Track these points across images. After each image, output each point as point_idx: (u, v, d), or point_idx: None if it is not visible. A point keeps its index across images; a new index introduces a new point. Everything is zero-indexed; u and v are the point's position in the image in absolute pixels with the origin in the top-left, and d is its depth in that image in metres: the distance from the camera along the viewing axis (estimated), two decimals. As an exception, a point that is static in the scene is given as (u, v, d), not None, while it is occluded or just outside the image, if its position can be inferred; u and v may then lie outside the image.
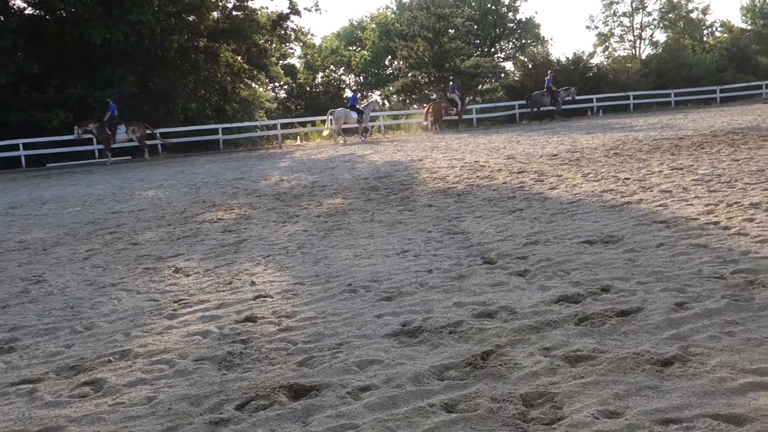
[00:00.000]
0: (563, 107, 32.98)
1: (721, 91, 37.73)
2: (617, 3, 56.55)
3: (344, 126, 28.97)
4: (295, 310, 4.61)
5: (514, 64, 50.03)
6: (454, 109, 32.38)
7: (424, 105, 34.67)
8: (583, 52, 45.26)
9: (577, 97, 33.83)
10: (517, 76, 44.27)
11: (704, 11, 57.59)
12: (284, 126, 32.56)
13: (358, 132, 29.68)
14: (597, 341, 3.59)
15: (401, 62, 48.74)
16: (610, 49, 57.42)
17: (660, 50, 50.05)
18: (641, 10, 55.96)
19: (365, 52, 61.78)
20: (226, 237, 7.94)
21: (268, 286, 5.39)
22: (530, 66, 42.62)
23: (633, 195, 8.22)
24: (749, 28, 56.73)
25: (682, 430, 2.59)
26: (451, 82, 35.85)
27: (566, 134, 20.84)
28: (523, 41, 56.91)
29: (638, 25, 56.46)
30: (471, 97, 34.78)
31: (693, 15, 57.01)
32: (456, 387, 3.18)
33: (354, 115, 29.23)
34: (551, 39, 76.41)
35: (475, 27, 52.11)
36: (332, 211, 9.36)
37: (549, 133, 22.51)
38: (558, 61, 42.63)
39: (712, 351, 3.31)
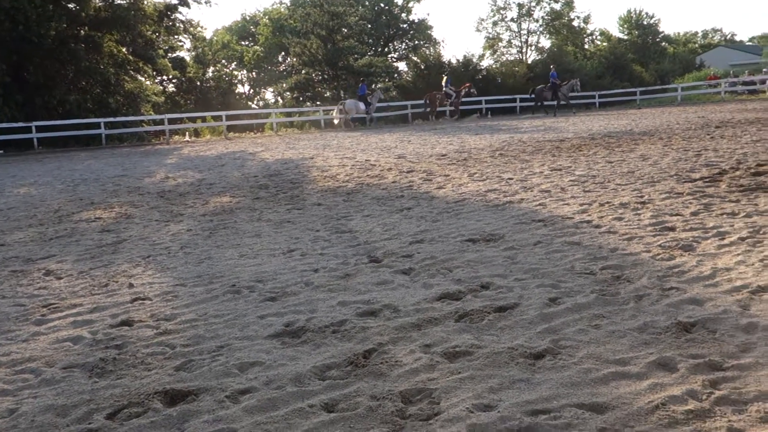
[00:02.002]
0: (492, 107, 34.22)
1: (600, 96, 39.91)
2: (505, 9, 58.57)
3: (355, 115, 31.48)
4: (174, 313, 4.47)
5: (407, 64, 50.83)
6: (449, 100, 33.60)
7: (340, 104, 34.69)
8: (473, 55, 46.65)
9: (465, 99, 34.72)
10: (410, 76, 44.98)
11: (585, 20, 60.74)
12: (172, 121, 31.54)
13: (366, 121, 32.27)
14: (475, 337, 3.69)
15: (294, 59, 48.37)
16: (498, 53, 59.42)
17: (545, 56, 52.31)
18: (528, 17, 58.24)
19: (258, 48, 60.86)
20: (104, 237, 7.60)
21: (147, 288, 5.19)
22: (422, 67, 43.44)
23: (515, 195, 8.53)
24: (626, 37, 60.30)
25: (550, 420, 2.70)
26: (445, 77, 35.97)
27: (456, 135, 21.37)
28: (416, 42, 57.87)
29: (525, 31, 58.73)
30: (467, 89, 34.85)
31: (575, 23, 59.95)
32: (337, 386, 3.18)
33: (362, 106, 31.65)
34: (443, 41, 78.30)
35: (369, 26, 52.58)
36: (219, 209, 9.15)
37: (440, 133, 23.01)
38: (449, 62, 43.68)
39: (580, 343, 3.48)
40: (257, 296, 4.75)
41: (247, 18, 65.94)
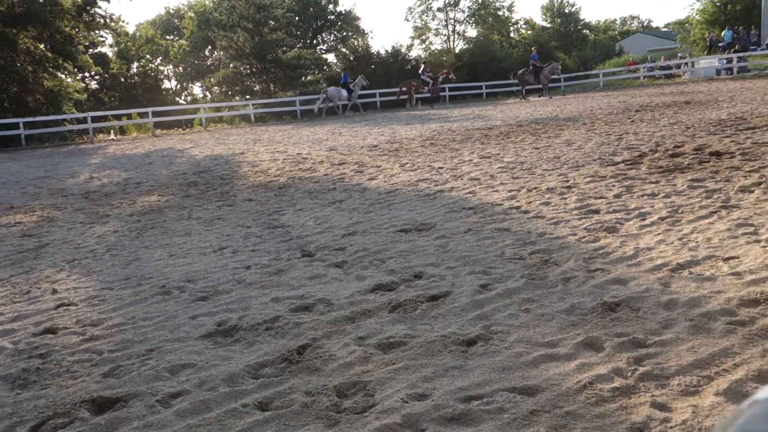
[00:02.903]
0: (442, 94, 34.38)
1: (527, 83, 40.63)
2: (432, -1, 59.02)
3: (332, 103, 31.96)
4: (101, 318, 4.33)
5: (336, 56, 50.66)
6: (426, 87, 33.81)
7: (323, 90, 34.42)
8: (401, 45, 46.89)
9: (395, 90, 34.87)
10: (339, 68, 44.82)
11: (510, 9, 61.71)
12: (96, 119, 30.49)
13: (347, 108, 32.75)
14: (408, 327, 3.72)
15: (222, 53, 47.51)
16: (427, 43, 59.84)
17: (472, 45, 53.00)
18: (454, 7, 58.82)
19: (183, 42, 59.50)
20: (25, 242, 7.30)
21: (71, 294, 5.02)
22: (351, 58, 43.36)
23: (446, 183, 8.63)
24: (549, 26, 61.65)
25: (482, 405, 2.75)
26: (423, 65, 36.20)
27: (387, 125, 21.43)
28: (344, 33, 57.68)
29: (452, 21, 59.32)
30: (445, 74, 34.93)
31: (500, 13, 60.89)
32: (271, 384, 3.15)
33: (345, 93, 32.14)
34: (371, 31, 78.33)
35: (296, 18, 52.02)
36: (147, 209, 8.92)
37: (371, 124, 23.02)
38: (378, 53, 43.74)
39: (511, 328, 3.55)
40: (188, 296, 4.66)
41: (172, 12, 64.37)
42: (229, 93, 46.88)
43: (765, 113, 13.01)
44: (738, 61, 33.80)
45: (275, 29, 43.01)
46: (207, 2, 59.84)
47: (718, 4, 47.02)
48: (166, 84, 60.38)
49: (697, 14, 50.32)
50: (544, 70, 32.98)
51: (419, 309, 3.99)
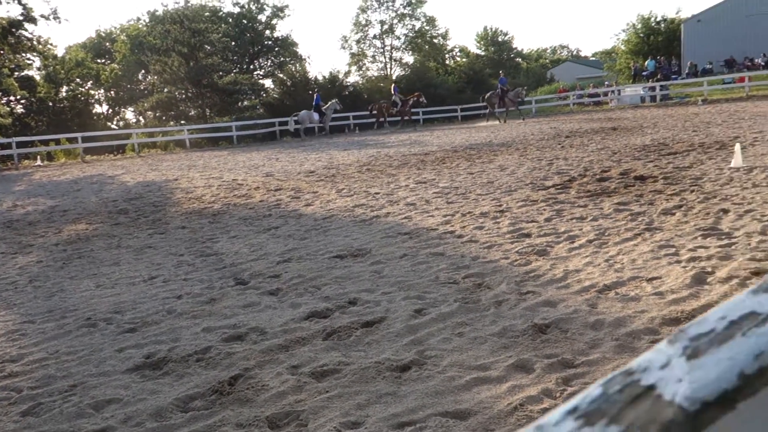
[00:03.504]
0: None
1: (462, 109, 41.40)
2: (367, 26, 59.68)
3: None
4: (22, 353, 4.15)
5: (273, 81, 50.49)
6: (395, 108, 33.76)
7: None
8: (338, 71, 47.09)
9: (335, 115, 34.95)
10: (277, 93, 44.69)
11: (444, 36, 62.92)
12: (21, 144, 29.39)
13: (323, 131, 33.22)
14: (343, 354, 3.70)
15: (155, 77, 46.73)
16: (364, 69, 60.38)
17: (408, 71, 53.73)
18: (390, 34, 59.63)
19: (116, 66, 58.28)
20: (-57, 274, 6.95)
21: (-9, 328, 4.79)
22: (289, 83, 43.31)
23: (382, 209, 8.66)
24: (483, 53, 63.13)
25: (415, 431, 2.75)
26: (393, 85, 36.29)
27: (324, 151, 21.44)
28: (282, 59, 57.63)
29: (389, 48, 60.07)
30: (416, 98, 34.71)
31: (436, 41, 62.03)
32: (201, 417, 3.08)
33: (316, 116, 32.39)
34: (308, 57, 78.51)
35: (233, 43, 51.76)
36: (73, 238, 8.62)
37: (308, 150, 22.99)
38: (316, 79, 43.84)
39: (444, 352, 3.57)
40: (115, 328, 4.51)
41: (103, 34, 63.04)
42: (164, 118, 46.05)
43: (685, 139, 13.60)
44: (661, 90, 35.30)
45: (211, 54, 42.65)
46: (140, 26, 58.92)
47: (641, 35, 49.19)
48: (97, 108, 58.88)
49: (622, 44, 52.49)
50: (509, 93, 33.54)
51: (354, 335, 3.97)
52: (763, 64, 38.51)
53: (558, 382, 3.05)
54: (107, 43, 61.77)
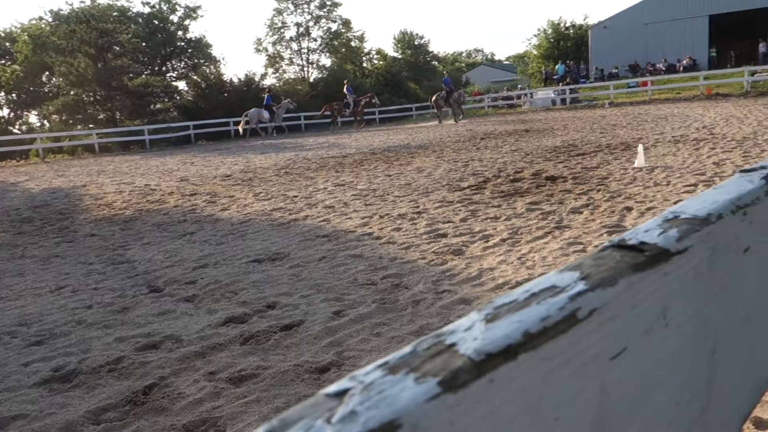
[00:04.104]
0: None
1: (380, 112, 41.67)
2: (283, 29, 59.22)
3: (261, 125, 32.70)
4: None
5: (187, 83, 49.33)
6: (347, 110, 33.34)
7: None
8: (254, 73, 46.54)
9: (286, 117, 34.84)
10: (191, 95, 43.71)
11: (361, 39, 63.16)
12: None
13: (267, 131, 33.22)
14: (261, 358, 3.67)
15: (61, 79, 44.81)
16: (281, 71, 59.83)
17: (326, 74, 53.64)
18: (306, 36, 59.35)
19: (17, 67, 55.51)
20: None
21: None
22: (203, 86, 42.45)
23: (300, 212, 8.62)
24: (400, 56, 63.75)
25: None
26: (346, 86, 35.10)
27: (241, 154, 21.13)
28: (195, 61, 56.36)
29: (305, 50, 59.76)
30: (368, 98, 34.12)
31: (353, 43, 62.17)
32: (114, 429, 2.99)
33: (266, 114, 32.47)
34: (223, 59, 77.14)
35: (143, 44, 50.24)
36: (-26, 248, 8.18)
37: (224, 153, 22.60)
38: (231, 81, 43.13)
39: (363, 353, 3.60)
40: (20, 342, 4.31)
41: (3, 34, 59.94)
42: (70, 122, 44.17)
43: (593, 140, 14.18)
44: (570, 93, 36.62)
45: (120, 55, 41.26)
46: (43, 25, 56.38)
47: (552, 40, 50.92)
48: (-1, 112, 55.97)
49: (534, 49, 54.19)
50: (453, 94, 33.57)
51: (272, 339, 3.95)
52: (664, 69, 40.59)
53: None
54: (7, 43, 58.76)
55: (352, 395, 0.34)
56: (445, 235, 6.39)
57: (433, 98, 34.29)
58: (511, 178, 9.64)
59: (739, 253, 0.81)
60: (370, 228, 7.12)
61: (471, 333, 0.41)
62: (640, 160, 9.59)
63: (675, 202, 6.61)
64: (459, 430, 0.36)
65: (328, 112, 34.42)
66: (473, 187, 9.14)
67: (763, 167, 1.02)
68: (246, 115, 32.73)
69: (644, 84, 34.24)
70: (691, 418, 0.71)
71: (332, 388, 0.35)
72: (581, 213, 6.76)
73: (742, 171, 1.00)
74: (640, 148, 9.93)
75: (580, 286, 0.50)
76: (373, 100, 34.92)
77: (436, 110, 34.02)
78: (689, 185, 7.59)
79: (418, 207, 8.09)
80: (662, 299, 0.61)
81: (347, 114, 34.52)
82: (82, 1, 44.17)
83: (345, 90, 35.12)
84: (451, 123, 31.38)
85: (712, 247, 0.72)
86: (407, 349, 0.39)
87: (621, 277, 0.54)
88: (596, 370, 0.49)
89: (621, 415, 0.53)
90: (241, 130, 33.00)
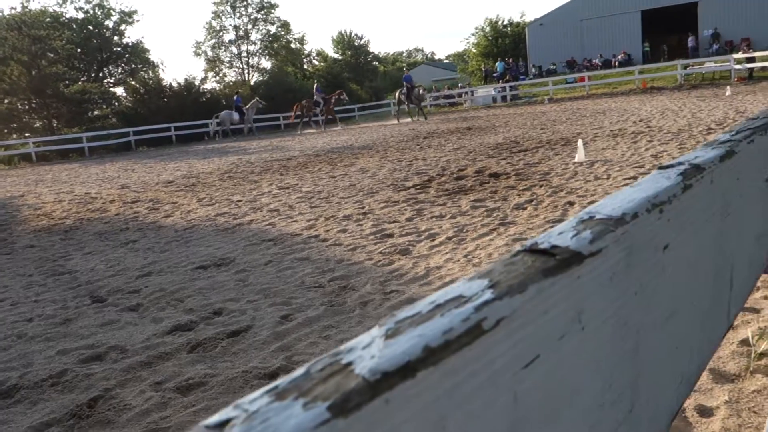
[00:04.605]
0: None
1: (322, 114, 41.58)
2: (221, 32, 58.52)
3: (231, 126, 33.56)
4: None
5: (125, 89, 48.25)
6: (317, 108, 33.00)
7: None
8: (194, 77, 45.83)
9: (192, 123, 34.14)
10: (130, 101, 42.80)
11: (301, 41, 62.94)
12: None
13: (244, 132, 33.97)
14: (209, 366, 3.65)
15: (-8, 87, 43.26)
16: (221, 75, 59.10)
17: (267, 77, 53.24)
18: (246, 39, 58.77)
19: (-55, 76, 53.36)
20: None
21: None
22: (142, 91, 41.63)
23: (245, 216, 8.56)
24: (341, 57, 63.73)
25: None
26: (316, 84, 35.36)
27: (183, 160, 20.82)
28: (133, 66, 55.18)
29: (245, 53, 59.17)
30: (338, 95, 33.81)
31: (293, 45, 61.87)
32: (58, 444, 2.93)
33: (236, 116, 33.12)
34: (162, 63, 75.71)
35: (79, 51, 48.93)
36: None
37: (166, 159, 22.22)
38: (170, 86, 42.40)
39: (312, 356, 3.61)
40: (-43, 359, 4.17)
41: (-73, 42, 57.50)
42: (5, 131, 42.72)
43: (534, 137, 14.47)
44: (510, 90, 37.26)
45: (55, 62, 40.11)
46: (-28, 32, 54.32)
47: (490, 38, 51.66)
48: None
49: (473, 47, 54.90)
50: (414, 90, 32.99)
51: (219, 346, 3.93)
52: (600, 64, 41.64)
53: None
54: (-66, 51, 56.40)
55: (233, 426, 0.32)
56: (391, 235, 6.44)
57: (396, 95, 33.92)
58: (455, 176, 9.77)
59: (657, 251, 0.81)
60: (316, 230, 7.12)
61: (369, 350, 0.39)
62: (580, 155, 9.84)
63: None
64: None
65: (299, 112, 34.05)
66: (418, 186, 9.23)
67: (680, 163, 1.00)
68: (216, 117, 33.01)
69: (582, 80, 35.07)
70: (616, 419, 0.70)
71: (214, 418, 0.32)
72: (525, 209, 6.91)
73: (660, 168, 1.00)
74: (580, 143, 10.20)
75: (488, 294, 0.48)
76: (341, 97, 34.82)
77: (398, 107, 33.63)
78: (629, 178, 7.84)
79: (363, 208, 8.13)
80: (577, 303, 0.59)
81: (318, 112, 34.14)
82: (13, 8, 42.71)
83: (314, 90, 34.99)
84: (409, 121, 31.42)
85: (628, 246, 0.71)
86: (300, 370, 0.36)
87: (531, 283, 0.52)
88: (507, 380, 0.48)
89: (537, 423, 0.53)
90: (212, 132, 33.19)
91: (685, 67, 31.52)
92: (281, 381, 0.35)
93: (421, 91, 32.45)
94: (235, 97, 35.43)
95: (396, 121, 33.03)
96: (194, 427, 0.32)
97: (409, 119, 32.25)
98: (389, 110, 40.62)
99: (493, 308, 0.47)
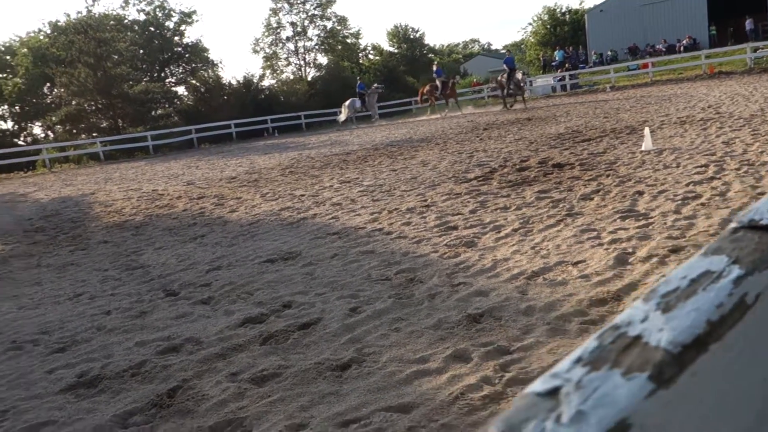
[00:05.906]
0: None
1: (379, 108, 41.65)
2: (278, 29, 59.17)
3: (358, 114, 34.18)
4: (-57, 383, 3.96)
5: (186, 88, 49.38)
6: (437, 92, 32.33)
7: None
8: (253, 75, 46.55)
9: (251, 120, 34.65)
10: (191, 100, 43.78)
11: (356, 36, 63.05)
12: None
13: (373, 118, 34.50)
14: (281, 357, 3.70)
15: (62, 90, 44.89)
16: (278, 72, 59.81)
17: (323, 72, 53.63)
18: (303, 35, 59.28)
19: (18, 80, 55.63)
20: None
21: None
22: (203, 90, 42.51)
23: (308, 210, 8.66)
24: (396, 51, 63.65)
25: (360, 428, 2.79)
26: (435, 66, 33.97)
27: (245, 156, 21.18)
28: (193, 65, 56.37)
29: (302, 49, 59.71)
30: (453, 79, 33.49)
31: (348, 40, 62.08)
32: (142, 432, 3.03)
33: (358, 103, 33.76)
34: (221, 62, 77.16)
35: (141, 51, 50.29)
36: (-12, 260, 8.24)
37: (228, 156, 22.66)
38: (230, 84, 43.18)
39: (383, 348, 3.63)
40: (43, 349, 4.36)
41: (2, 48, 60.04)
42: (74, 131, 44.28)
43: (597, 126, 14.16)
44: (570, 79, 36.53)
45: (119, 63, 41.31)
46: (41, 37, 56.46)
47: (548, 26, 50.78)
48: (2, 125, 56.15)
49: (531, 36, 54.05)
50: (447, 84, 32.44)
51: (291, 338, 3.98)
52: (664, 49, 40.43)
53: (496, 369, 3.15)
54: (8, 57, 58.88)
55: (567, 394, 0.33)
56: (455, 228, 6.41)
57: (498, 78, 31.67)
58: (518, 167, 9.64)
59: None
60: (380, 223, 7.14)
61: (651, 324, 0.40)
62: (647, 143, 9.58)
63: (687, 184, 6.63)
64: (674, 429, 0.35)
65: (426, 97, 33.37)
66: (480, 178, 9.15)
67: None
68: (346, 106, 33.70)
69: (645, 66, 34.09)
70: None
71: (538, 386, 0.33)
72: (592, 199, 6.77)
73: None
74: (647, 131, 9.92)
75: (736, 270, 0.48)
76: (454, 80, 33.76)
77: (504, 92, 30.48)
78: (700, 166, 7.58)
79: (426, 200, 8.11)
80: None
81: (437, 96, 32.64)
82: (79, 12, 44.19)
83: (434, 73, 33.17)
84: (437, 116, 30.88)
85: None
86: (593, 343, 0.37)
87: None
88: (763, 359, 0.48)
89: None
90: (343, 117, 34.07)
91: (755, 50, 30.28)
92: (581, 352, 0.37)
93: (520, 76, 29.05)
94: (357, 83, 35.94)
95: (428, 115, 32.47)
96: (520, 393, 0.33)
97: (507, 106, 29.43)
98: (442, 102, 40.17)
99: (749, 283, 0.47)
